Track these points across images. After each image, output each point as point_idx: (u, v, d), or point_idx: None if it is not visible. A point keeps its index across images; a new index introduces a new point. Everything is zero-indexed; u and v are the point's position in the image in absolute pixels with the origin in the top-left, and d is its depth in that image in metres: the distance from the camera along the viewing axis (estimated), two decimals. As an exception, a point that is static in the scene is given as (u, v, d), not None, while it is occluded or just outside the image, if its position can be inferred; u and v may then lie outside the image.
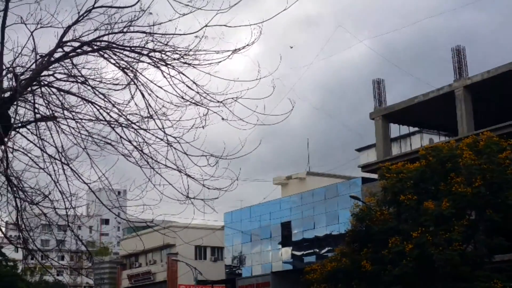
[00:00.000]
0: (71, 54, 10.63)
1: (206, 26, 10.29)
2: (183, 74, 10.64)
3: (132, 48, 10.57)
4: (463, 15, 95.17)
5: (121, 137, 10.74)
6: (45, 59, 10.48)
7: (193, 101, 10.68)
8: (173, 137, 10.66)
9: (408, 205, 26.10)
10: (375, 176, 37.01)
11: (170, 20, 10.37)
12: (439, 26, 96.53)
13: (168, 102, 10.73)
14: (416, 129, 47.32)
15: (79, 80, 10.76)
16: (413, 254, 24.57)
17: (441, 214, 24.68)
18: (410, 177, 26.84)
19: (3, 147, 10.44)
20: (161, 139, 10.71)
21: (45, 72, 10.62)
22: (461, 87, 36.44)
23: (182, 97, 10.69)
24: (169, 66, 10.64)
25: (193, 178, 10.64)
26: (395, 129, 43.35)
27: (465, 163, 25.41)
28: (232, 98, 10.53)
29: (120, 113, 10.70)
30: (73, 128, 10.84)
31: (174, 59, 10.59)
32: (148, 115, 10.73)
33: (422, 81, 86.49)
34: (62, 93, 10.81)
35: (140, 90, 10.72)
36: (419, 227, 25.10)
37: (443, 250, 23.96)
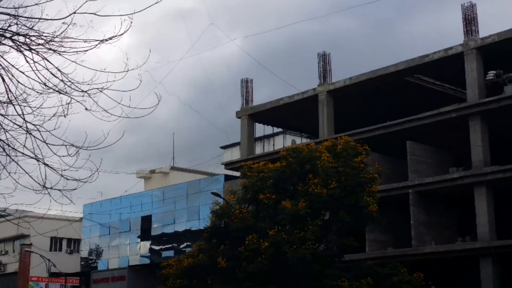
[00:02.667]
0: None
1: (74, 13, 10.24)
2: (48, 60, 10.57)
3: (-8, 29, 10.38)
4: (335, 21, 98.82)
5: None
6: None
7: (56, 89, 10.64)
8: (33, 124, 10.59)
9: (267, 204, 26.98)
10: (238, 174, 37.83)
11: (37, 4, 10.27)
12: (311, 31, 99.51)
13: (29, 88, 10.64)
14: (281, 130, 48.81)
15: None
16: (268, 251, 25.43)
17: (297, 214, 25.71)
18: (270, 177, 27.70)
19: None
20: (20, 126, 10.60)
21: None
22: (325, 91, 38.02)
23: (45, 84, 10.62)
24: (33, 51, 10.53)
25: (51, 167, 10.62)
26: (261, 129, 44.49)
27: (322, 165, 26.58)
28: (98, 89, 10.59)
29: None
30: None
31: (39, 44, 10.49)
32: (8, 100, 10.59)
33: (288, 84, 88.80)
34: None
35: (0, 74, 10.56)
36: (275, 225, 26.01)
37: (297, 249, 24.99)
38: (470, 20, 32.82)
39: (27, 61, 10.57)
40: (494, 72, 32.26)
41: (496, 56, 32.20)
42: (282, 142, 49.47)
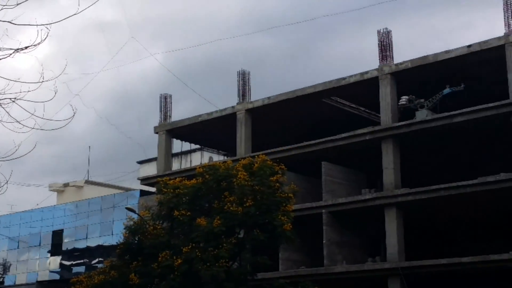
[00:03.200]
0: None
1: (-12, 20, 10.02)
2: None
3: None
4: (257, 39, 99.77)
5: None
6: None
7: (-36, 98, 10.34)
8: None
9: (182, 220, 26.82)
10: (154, 189, 37.50)
11: None
12: (233, 48, 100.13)
13: None
14: (198, 146, 48.76)
15: None
16: (181, 269, 25.27)
17: (211, 231, 25.67)
18: (186, 193, 27.55)
19: None
20: None
21: None
22: (243, 110, 38.29)
23: (-48, 92, 10.30)
24: None
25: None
26: (178, 145, 44.31)
27: (239, 183, 26.67)
28: (10, 99, 10.35)
29: None
30: None
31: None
32: None
33: (207, 101, 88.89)
34: None
35: None
36: (190, 242, 25.89)
37: (210, 266, 24.94)
38: (385, 46, 33.87)
39: None
40: (407, 97, 33.33)
41: (409, 82, 33.31)
42: (200, 159, 49.45)
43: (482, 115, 30.00)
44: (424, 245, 34.96)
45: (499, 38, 30.03)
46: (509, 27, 29.92)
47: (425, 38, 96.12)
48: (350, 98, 37.36)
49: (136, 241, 28.17)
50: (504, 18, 30.07)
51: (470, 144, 33.61)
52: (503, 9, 30.16)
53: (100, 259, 42.40)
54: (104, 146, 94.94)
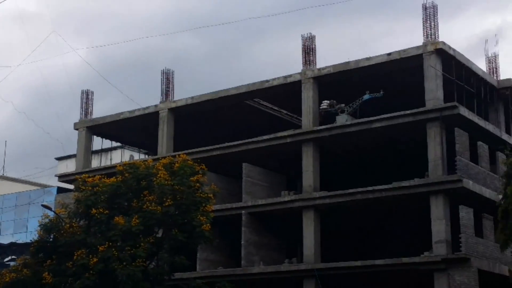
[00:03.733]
0: None
1: None
2: None
3: None
4: (183, 38, 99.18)
5: None
6: None
7: None
8: None
9: (99, 219, 26.52)
10: (72, 187, 36.86)
11: None
12: (159, 46, 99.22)
13: None
14: (119, 144, 48.23)
15: None
16: (97, 268, 24.99)
17: (129, 230, 25.51)
18: (105, 191, 27.26)
19: None
20: None
21: None
22: (166, 109, 38.13)
23: None
24: None
25: None
26: (99, 142, 43.66)
27: (159, 183, 26.59)
28: None
29: None
30: None
31: None
32: None
33: (129, 98, 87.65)
34: None
35: None
36: (107, 241, 25.63)
37: (127, 266, 24.77)
38: (309, 51, 34.40)
39: None
40: (328, 101, 33.95)
41: (331, 86, 33.94)
42: (120, 157, 48.92)
43: (399, 121, 30.86)
44: (340, 247, 35.66)
45: (417, 47, 30.97)
46: (427, 37, 30.89)
47: (350, 44, 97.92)
48: (273, 100, 37.81)
49: (51, 239, 27.66)
50: (423, 28, 31.02)
51: (387, 150, 34.52)
52: (422, 20, 31.11)
53: (13, 257, 41.34)
54: (21, 141, 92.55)
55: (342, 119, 33.15)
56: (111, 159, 47.72)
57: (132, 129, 40.91)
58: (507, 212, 23.85)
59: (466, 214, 28.77)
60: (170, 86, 38.84)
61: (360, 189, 31.32)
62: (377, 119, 31.32)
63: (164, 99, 38.55)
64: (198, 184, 27.36)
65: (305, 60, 34.41)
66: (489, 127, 31.95)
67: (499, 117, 33.94)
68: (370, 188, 31.01)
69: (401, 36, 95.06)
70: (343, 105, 33.67)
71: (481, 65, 34.08)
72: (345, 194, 31.78)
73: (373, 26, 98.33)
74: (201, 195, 27.14)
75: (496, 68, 34.75)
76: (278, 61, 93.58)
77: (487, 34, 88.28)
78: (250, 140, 34.84)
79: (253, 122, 38.77)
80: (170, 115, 38.22)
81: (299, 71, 34.33)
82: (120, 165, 28.74)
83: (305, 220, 32.59)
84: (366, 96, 33.41)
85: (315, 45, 34.53)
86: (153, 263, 27.17)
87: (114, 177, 27.97)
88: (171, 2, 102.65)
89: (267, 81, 35.23)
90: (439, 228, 28.98)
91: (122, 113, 39.97)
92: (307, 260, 32.03)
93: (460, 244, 28.23)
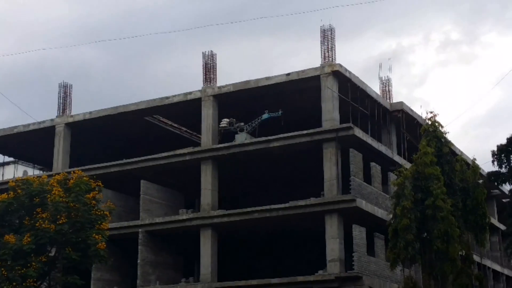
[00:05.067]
0: None
1: None
2: None
3: None
4: (84, 51, 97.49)
5: None
6: None
7: None
8: None
9: (-12, 237, 25.75)
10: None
11: None
12: (58, 59, 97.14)
13: None
14: (12, 159, 46.93)
15: None
16: (-15, 288, 24.26)
17: (20, 249, 24.91)
18: (-3, 209, 26.50)
19: None
20: None
21: None
22: (63, 123, 37.54)
23: None
24: None
25: None
26: (-10, 157, 42.37)
27: (53, 200, 26.11)
28: None
29: None
30: None
31: None
32: None
33: (24, 112, 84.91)
34: None
35: None
36: (-3, 261, 24.91)
37: (17, 286, 24.17)
38: (209, 68, 34.79)
39: None
40: (228, 120, 34.41)
41: (231, 105, 34.42)
42: (13, 172, 47.61)
43: (297, 141, 31.64)
44: (237, 266, 36.07)
45: (315, 68, 31.92)
46: (324, 59, 31.90)
47: (253, 62, 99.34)
48: (173, 117, 37.91)
49: None
50: (321, 50, 32.04)
51: (285, 169, 35.26)
52: (320, 42, 32.13)
53: None
54: None
55: (241, 138, 33.68)
56: (3, 174, 46.27)
57: (26, 143, 39.99)
58: (396, 232, 24.94)
59: (359, 233, 29.77)
60: (68, 100, 38.28)
61: (258, 208, 31.83)
62: (275, 139, 31.99)
63: (61, 114, 37.93)
64: (94, 202, 27.03)
65: (206, 78, 34.78)
66: (382, 148, 33.26)
67: (391, 138, 35.42)
68: (267, 207, 31.56)
69: (304, 55, 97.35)
70: (242, 123, 34.22)
71: (376, 87, 35.56)
72: (242, 213, 32.22)
73: (276, 44, 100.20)
74: (97, 212, 26.82)
75: (389, 91, 36.29)
76: (181, 77, 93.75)
77: (383, 56, 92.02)
78: (148, 157, 34.78)
79: (152, 138, 38.74)
80: (67, 130, 37.66)
81: (200, 88, 34.62)
82: (12, 181, 28.03)
83: (202, 239, 32.79)
84: (265, 115, 34.10)
85: (215, 63, 34.98)
86: (45, 284, 26.60)
87: (5, 193, 27.26)
88: (73, 13, 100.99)
89: (167, 97, 35.33)
90: (333, 246, 29.83)
91: (16, 127, 39.03)
92: (204, 279, 32.19)
93: (353, 263, 29.15)
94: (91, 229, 26.44)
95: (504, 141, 27.43)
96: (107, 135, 38.75)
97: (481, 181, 27.65)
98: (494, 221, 44.07)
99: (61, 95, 38.33)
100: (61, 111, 38.10)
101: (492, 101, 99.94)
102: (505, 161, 24.87)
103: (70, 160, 37.33)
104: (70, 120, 37.67)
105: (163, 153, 34.58)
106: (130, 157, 35.57)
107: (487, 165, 31.40)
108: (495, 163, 25.18)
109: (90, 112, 37.27)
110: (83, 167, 33.37)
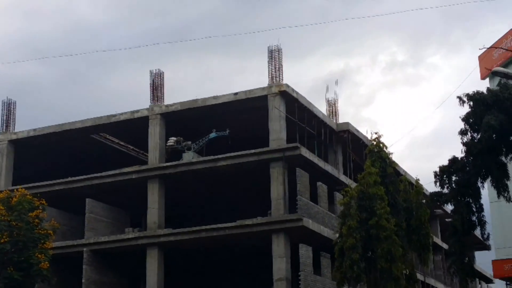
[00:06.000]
0: None
1: None
2: None
3: None
4: (28, 67, 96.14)
5: None
6: None
7: None
8: None
9: None
10: None
11: None
12: (4, 75, 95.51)
13: None
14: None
15: None
16: None
17: None
18: None
19: None
20: None
21: None
22: (6, 140, 37.00)
23: None
24: None
25: None
26: None
27: (-5, 218, 25.73)
28: None
29: None
30: None
31: None
32: None
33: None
34: None
35: None
36: None
37: None
38: (157, 86, 34.79)
39: None
40: (175, 138, 34.39)
41: (179, 123, 34.44)
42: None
43: (244, 160, 31.80)
44: (184, 285, 35.90)
45: (262, 88, 32.23)
46: (272, 79, 32.24)
47: (201, 80, 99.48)
48: (120, 135, 37.72)
49: None
50: (268, 70, 32.37)
51: (232, 187, 35.37)
52: (268, 62, 32.46)
53: None
54: None
55: (188, 156, 33.71)
56: None
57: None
58: (342, 251, 25.24)
59: (305, 252, 30.01)
60: (11, 116, 37.75)
61: (205, 227, 31.82)
62: (222, 158, 32.11)
63: (4, 131, 37.37)
64: (37, 220, 26.79)
65: (153, 96, 34.75)
66: (328, 167, 33.70)
67: (337, 158, 35.93)
68: (214, 226, 31.59)
69: (253, 73, 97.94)
70: (189, 142, 34.26)
71: (323, 108, 36.05)
72: (189, 232, 32.16)
73: (224, 63, 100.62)
74: (40, 231, 26.56)
75: (335, 112, 36.82)
76: (129, 95, 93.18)
77: (331, 77, 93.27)
78: (94, 175, 34.49)
79: (98, 156, 38.41)
80: (10, 147, 37.13)
81: (147, 106, 34.57)
82: None
83: (149, 258, 32.59)
84: (212, 134, 34.22)
85: (163, 81, 34.99)
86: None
87: None
88: (18, 30, 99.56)
89: (114, 115, 35.16)
90: (280, 266, 29.99)
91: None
92: (149, 299, 31.96)
93: (299, 282, 29.35)
94: (34, 248, 26.13)
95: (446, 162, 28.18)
96: (52, 152, 38.29)
97: (424, 201, 28.22)
98: (438, 240, 44.99)
99: (5, 111, 37.78)
100: (4, 128, 37.55)
101: (436, 121, 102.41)
102: (447, 181, 25.42)
103: (13, 178, 36.75)
104: (14, 137, 37.15)
105: (109, 171, 34.34)
106: (76, 175, 35.19)
107: (430, 185, 32.15)
108: (437, 183, 25.72)
109: (35, 129, 36.82)
110: (26, 185, 32.82)
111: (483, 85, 34.36)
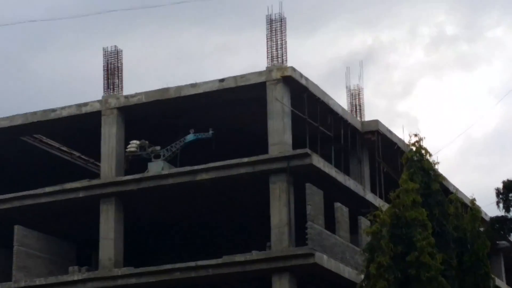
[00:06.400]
0: None
1: None
2: None
3: None
4: None
5: None
6: None
7: None
8: None
9: None
10: None
11: None
12: None
13: None
14: None
15: None
16: None
17: None
18: None
19: None
20: None
21: None
22: None
23: None
24: None
25: None
26: None
27: None
28: None
29: None
30: None
31: None
32: None
33: None
34: None
35: None
36: None
37: None
38: (113, 70, 34.70)
39: None
40: (138, 142, 34.30)
41: (143, 121, 34.39)
42: None
43: (233, 172, 31.76)
44: None
45: (259, 73, 32.20)
46: (272, 60, 32.15)
47: (173, 61, 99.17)
48: (62, 138, 37.65)
49: None
50: (267, 49, 32.27)
51: (217, 210, 35.31)
52: (267, 36, 32.37)
53: None
54: None
55: (156, 167, 33.64)
56: None
57: None
58: (370, 299, 25.18)
59: (318, 299, 30.03)
60: None
61: (179, 265, 31.77)
62: (203, 169, 32.09)
63: None
64: None
65: (108, 83, 34.67)
66: (350, 183, 33.61)
67: (362, 170, 35.83)
68: (192, 264, 31.54)
69: (247, 52, 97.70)
70: (158, 147, 34.19)
71: (343, 100, 35.97)
72: (158, 272, 32.06)
73: (206, 39, 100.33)
74: None
75: (360, 106, 36.75)
76: (74, 80, 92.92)
77: (354, 57, 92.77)
78: (26, 193, 34.44)
79: (32, 167, 38.35)
80: None
81: (100, 97, 34.49)
82: None
83: (101, 309, 32.58)
84: (190, 136, 34.19)
85: (121, 63, 34.90)
86: None
87: None
88: None
89: (53, 110, 35.12)
90: (283, 318, 29.97)
91: None
92: None
93: None
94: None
95: (512, 175, 27.96)
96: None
97: (482, 229, 28.20)
98: (501, 283, 44.92)
99: None
100: None
101: (499, 118, 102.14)
102: (514, 202, 25.30)
103: None
104: None
105: (46, 188, 34.28)
106: (1, 193, 35.09)
107: (491, 207, 31.98)
108: (501, 205, 25.55)
109: None
110: None
111: None
